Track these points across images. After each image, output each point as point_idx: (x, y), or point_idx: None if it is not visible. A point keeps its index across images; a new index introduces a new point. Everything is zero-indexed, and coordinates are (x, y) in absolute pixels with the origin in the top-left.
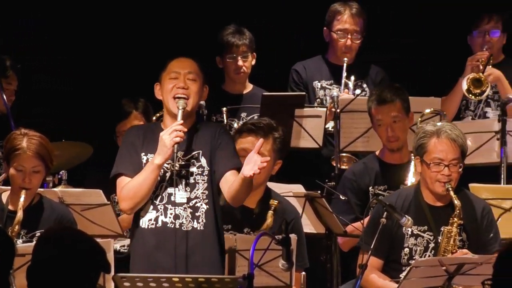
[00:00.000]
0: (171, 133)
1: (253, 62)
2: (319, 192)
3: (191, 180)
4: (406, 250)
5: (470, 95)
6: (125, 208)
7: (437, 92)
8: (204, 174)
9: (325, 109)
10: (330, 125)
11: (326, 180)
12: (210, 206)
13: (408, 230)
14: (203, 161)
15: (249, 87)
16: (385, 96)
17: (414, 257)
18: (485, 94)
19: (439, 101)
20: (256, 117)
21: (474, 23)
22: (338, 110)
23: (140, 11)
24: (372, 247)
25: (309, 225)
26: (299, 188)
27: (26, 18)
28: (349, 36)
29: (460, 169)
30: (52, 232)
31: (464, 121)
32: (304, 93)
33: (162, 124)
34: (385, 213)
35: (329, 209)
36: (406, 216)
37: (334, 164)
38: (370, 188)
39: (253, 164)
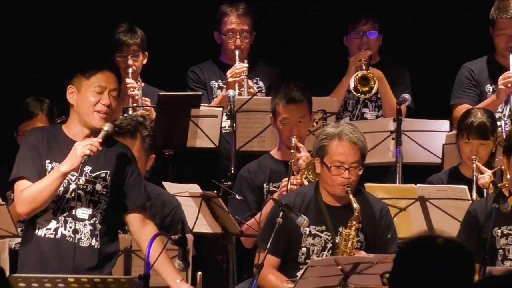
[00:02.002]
0: (86, 145)
1: (145, 62)
2: (215, 192)
3: (95, 198)
4: (304, 249)
5: (358, 94)
6: (22, 212)
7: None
8: (107, 195)
9: (221, 108)
10: (227, 124)
11: (223, 180)
12: (106, 227)
13: (306, 230)
14: (109, 182)
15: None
16: (294, 96)
17: (311, 257)
18: (373, 91)
19: (332, 100)
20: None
21: (351, 24)
22: (234, 110)
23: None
24: (268, 246)
25: (205, 225)
26: (195, 188)
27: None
28: (237, 36)
29: (360, 172)
30: None
31: (343, 121)
32: (200, 93)
33: (65, 128)
34: (281, 212)
35: (225, 209)
36: (302, 216)
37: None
38: (265, 185)
39: None
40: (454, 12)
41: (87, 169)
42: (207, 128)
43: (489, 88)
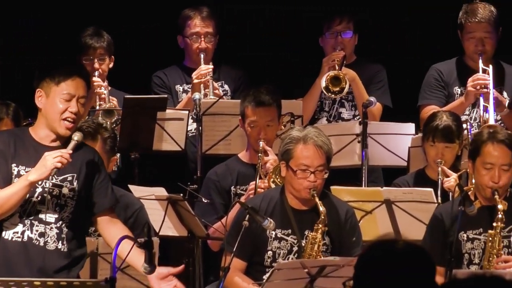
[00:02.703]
0: (56, 156)
1: (111, 65)
2: (181, 195)
3: (62, 202)
4: (270, 253)
5: (329, 93)
6: None
7: (291, 95)
8: (74, 198)
9: (187, 111)
10: (193, 127)
11: (189, 183)
12: (72, 231)
13: (272, 233)
14: (75, 185)
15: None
16: (263, 99)
17: (277, 260)
18: (345, 91)
19: (299, 103)
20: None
21: (326, 25)
22: (200, 113)
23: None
24: (235, 249)
25: (171, 228)
26: (161, 191)
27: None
28: (202, 39)
29: (326, 175)
30: None
31: (320, 122)
32: (165, 96)
33: (32, 131)
34: (248, 215)
35: (192, 212)
36: (269, 219)
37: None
38: (232, 188)
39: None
40: (423, 13)
41: (54, 172)
42: (173, 131)
43: (457, 90)
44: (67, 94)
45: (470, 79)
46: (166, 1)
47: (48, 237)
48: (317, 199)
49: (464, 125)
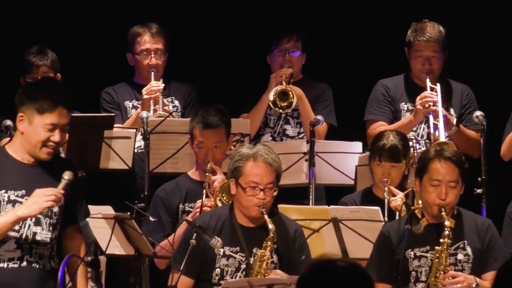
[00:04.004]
0: (49, 195)
1: None
2: (128, 213)
3: (54, 220)
4: (218, 270)
5: (277, 108)
6: None
7: (237, 112)
8: (61, 215)
9: (134, 130)
10: (142, 144)
11: (136, 202)
12: (59, 247)
13: (220, 251)
14: (62, 201)
15: None
16: (211, 121)
17: (225, 278)
18: (293, 106)
19: (247, 122)
20: None
21: (274, 42)
22: (147, 131)
23: None
24: (182, 267)
25: (118, 246)
26: (108, 210)
27: None
28: (152, 55)
29: (275, 193)
30: None
31: (265, 138)
32: (113, 114)
33: (9, 150)
34: (195, 234)
35: (139, 230)
36: (216, 237)
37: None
38: (180, 205)
39: None
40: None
41: None
42: (120, 150)
43: (404, 106)
44: (51, 124)
45: (418, 98)
46: (114, 18)
47: (45, 258)
48: (266, 217)
49: (411, 143)
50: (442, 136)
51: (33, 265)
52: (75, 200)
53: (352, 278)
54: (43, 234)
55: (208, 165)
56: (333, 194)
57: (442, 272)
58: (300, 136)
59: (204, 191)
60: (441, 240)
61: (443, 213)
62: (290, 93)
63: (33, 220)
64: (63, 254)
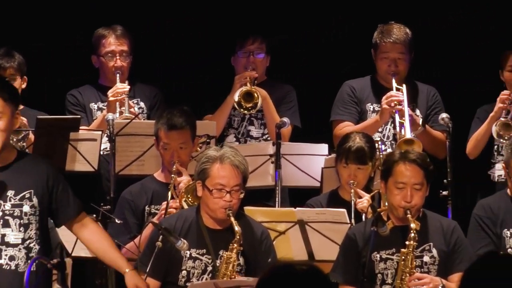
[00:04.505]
0: None
1: (24, 86)
2: (94, 215)
3: (25, 220)
4: (184, 272)
5: (242, 109)
6: None
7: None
8: (36, 214)
9: (100, 132)
10: (108, 146)
11: (102, 204)
12: (42, 246)
13: (186, 253)
14: (35, 200)
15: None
16: (176, 122)
17: (191, 280)
18: (257, 107)
19: (214, 124)
20: None
21: (238, 44)
22: (113, 133)
23: None
24: (148, 269)
25: (84, 248)
26: None
27: None
28: (117, 57)
29: (242, 195)
30: None
31: (228, 139)
32: (79, 116)
33: None
34: (161, 236)
35: None
36: (182, 239)
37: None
38: (146, 207)
39: None
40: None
41: (10, 193)
42: (86, 152)
43: (370, 106)
44: None
45: (384, 97)
46: (80, 20)
47: (18, 259)
48: (232, 219)
49: (377, 145)
50: (408, 134)
51: (3, 267)
52: (60, 198)
53: (311, 282)
54: (13, 235)
55: (174, 166)
56: (300, 196)
57: (408, 275)
58: (264, 137)
59: (170, 192)
60: (407, 243)
61: (409, 216)
62: (255, 94)
63: (1, 222)
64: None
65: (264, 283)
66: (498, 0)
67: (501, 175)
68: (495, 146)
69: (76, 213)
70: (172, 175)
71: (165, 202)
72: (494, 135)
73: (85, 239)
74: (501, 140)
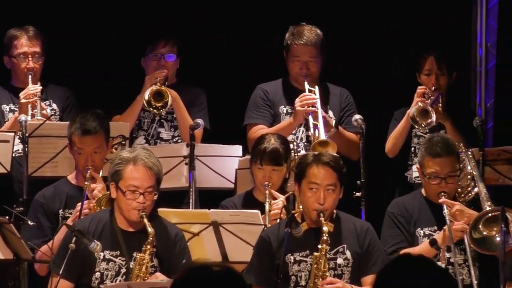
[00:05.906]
0: None
1: None
2: (7, 217)
3: None
4: (97, 274)
5: (151, 108)
6: None
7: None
8: None
9: (12, 133)
10: (20, 147)
11: (14, 206)
12: None
13: (100, 255)
14: None
15: None
16: (89, 127)
17: (105, 282)
18: (168, 106)
19: (127, 125)
20: None
21: (149, 46)
22: (26, 135)
23: None
24: (61, 270)
25: None
26: None
27: None
28: (30, 58)
29: (155, 197)
30: None
31: (138, 141)
32: None
33: None
34: (74, 238)
35: (17, 234)
36: (95, 241)
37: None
38: (60, 211)
39: None
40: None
41: None
42: None
43: (283, 109)
44: None
45: (297, 99)
46: None
47: None
48: (145, 220)
49: (291, 146)
50: (322, 135)
51: None
52: None
53: (227, 283)
54: None
55: (88, 173)
56: (214, 197)
57: (320, 278)
58: (174, 139)
59: (84, 195)
60: (319, 246)
61: (322, 218)
62: (165, 93)
63: None
64: None
65: (179, 284)
66: (417, 2)
67: (417, 177)
68: (412, 148)
69: None
70: (86, 182)
71: (80, 204)
72: (410, 119)
73: None
74: (415, 126)
